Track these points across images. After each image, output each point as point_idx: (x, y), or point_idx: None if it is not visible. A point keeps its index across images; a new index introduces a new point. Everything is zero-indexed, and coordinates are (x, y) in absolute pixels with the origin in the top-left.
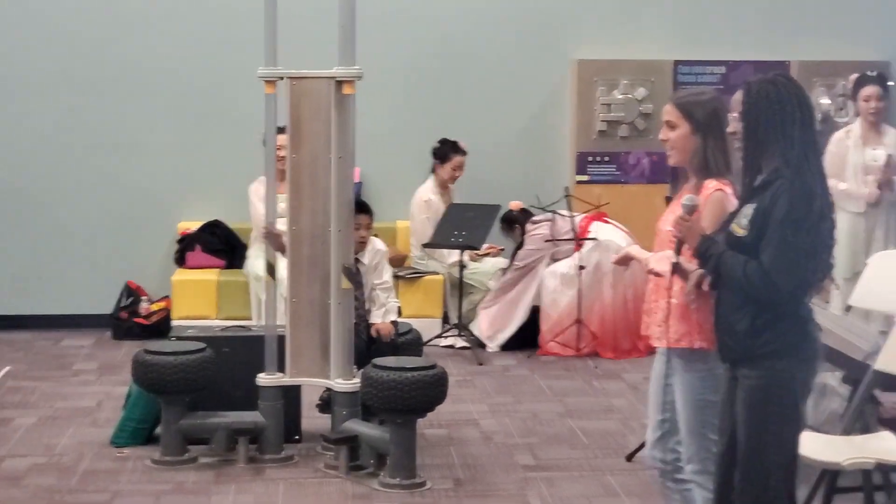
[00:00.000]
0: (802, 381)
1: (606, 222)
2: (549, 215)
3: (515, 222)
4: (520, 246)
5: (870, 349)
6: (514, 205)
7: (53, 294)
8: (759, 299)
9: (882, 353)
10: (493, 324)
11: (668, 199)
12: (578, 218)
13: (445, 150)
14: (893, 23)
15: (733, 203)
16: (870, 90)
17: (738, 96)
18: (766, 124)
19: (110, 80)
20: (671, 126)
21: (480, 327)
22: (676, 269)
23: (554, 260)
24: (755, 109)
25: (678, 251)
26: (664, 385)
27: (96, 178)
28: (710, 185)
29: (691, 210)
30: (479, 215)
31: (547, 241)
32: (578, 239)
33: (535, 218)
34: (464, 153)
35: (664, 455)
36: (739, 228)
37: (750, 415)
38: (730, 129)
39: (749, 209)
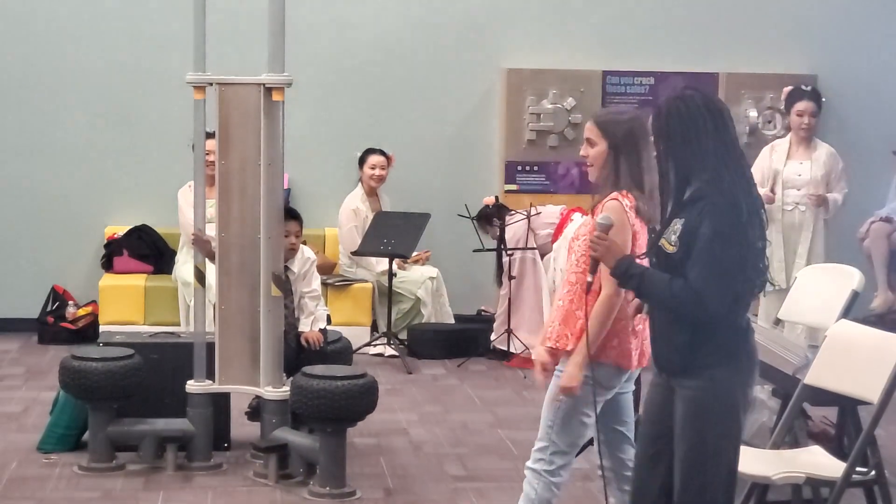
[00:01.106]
0: (742, 392)
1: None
2: (523, 211)
3: (492, 217)
4: (501, 241)
5: (799, 363)
6: (488, 200)
7: None
8: (686, 317)
9: (812, 367)
10: (531, 329)
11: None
12: (554, 210)
13: (364, 156)
14: (822, 37)
15: (631, 216)
16: (803, 105)
17: (650, 121)
18: (680, 140)
19: (39, 83)
20: (591, 143)
21: (520, 341)
22: (590, 288)
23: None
24: (667, 128)
25: (593, 270)
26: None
27: (21, 181)
28: (609, 197)
29: (606, 229)
30: (408, 223)
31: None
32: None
33: (511, 212)
34: (380, 153)
35: (608, 462)
36: (669, 245)
37: (688, 427)
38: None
39: (678, 224)
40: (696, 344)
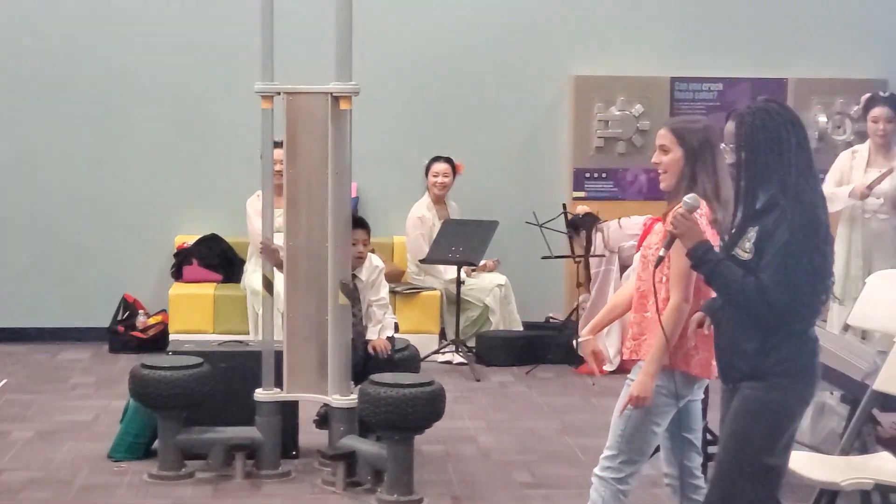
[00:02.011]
0: (798, 403)
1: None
2: (613, 222)
3: (580, 227)
4: (587, 252)
5: (868, 369)
6: (580, 209)
7: (51, 307)
8: (750, 312)
9: (881, 373)
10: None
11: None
12: (638, 221)
13: (429, 164)
14: (891, 41)
15: (703, 223)
16: (878, 111)
17: (730, 127)
18: (764, 153)
19: (109, 94)
20: (664, 150)
21: (606, 353)
22: (660, 262)
23: (623, 268)
24: (752, 139)
25: (669, 246)
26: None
27: (94, 191)
28: None
29: (692, 208)
30: (476, 231)
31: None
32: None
33: (600, 225)
34: (445, 160)
35: (674, 470)
36: (744, 252)
37: (736, 418)
38: (728, 160)
39: (752, 233)
40: (764, 353)
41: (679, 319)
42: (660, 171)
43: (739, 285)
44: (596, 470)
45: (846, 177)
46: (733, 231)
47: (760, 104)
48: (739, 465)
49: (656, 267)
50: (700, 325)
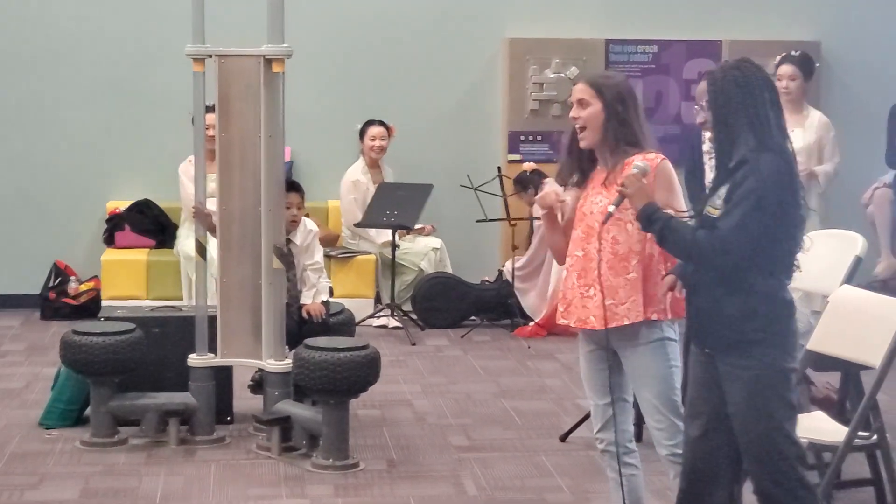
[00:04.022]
0: (791, 364)
1: None
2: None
3: (528, 183)
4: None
5: (802, 329)
6: (527, 166)
7: None
8: (705, 263)
9: (815, 333)
10: (541, 296)
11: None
12: None
13: (364, 127)
14: (825, 2)
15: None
16: (783, 69)
17: (702, 86)
18: (736, 109)
19: (38, 57)
20: (583, 104)
21: (529, 303)
22: (608, 219)
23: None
24: (724, 96)
25: (618, 204)
26: (600, 368)
27: (21, 157)
28: (648, 157)
29: (644, 172)
30: (411, 195)
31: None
32: None
33: (545, 180)
34: (380, 124)
35: (611, 437)
36: (714, 209)
37: (754, 406)
38: (699, 119)
39: (723, 190)
40: (745, 317)
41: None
42: (579, 125)
43: (691, 239)
44: (663, 452)
45: None
46: (707, 190)
47: (733, 63)
48: (773, 446)
49: (604, 224)
50: (671, 288)
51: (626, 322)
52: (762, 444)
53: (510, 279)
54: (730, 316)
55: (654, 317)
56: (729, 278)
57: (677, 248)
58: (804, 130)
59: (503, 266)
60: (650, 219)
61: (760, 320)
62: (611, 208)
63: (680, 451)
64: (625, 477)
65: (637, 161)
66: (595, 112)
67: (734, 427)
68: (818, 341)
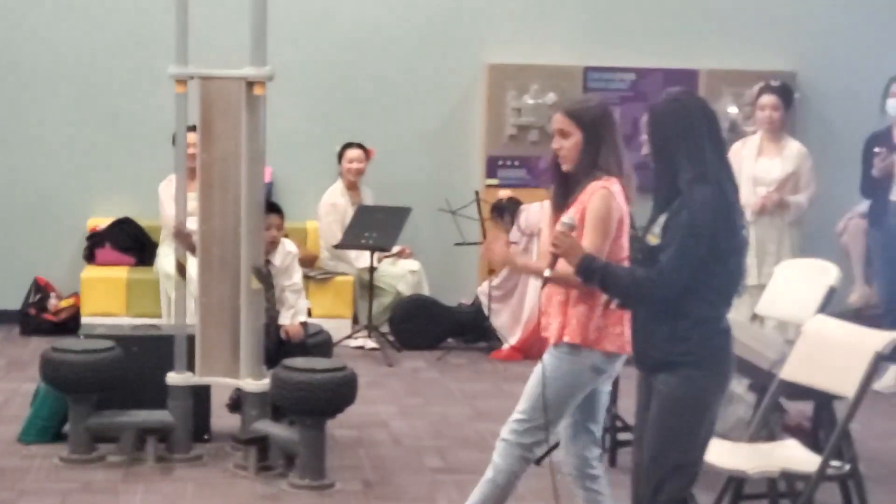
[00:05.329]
0: (714, 394)
1: None
2: (536, 204)
3: (504, 211)
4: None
5: (776, 358)
6: (503, 194)
7: None
8: (649, 300)
9: (788, 362)
10: (514, 317)
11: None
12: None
13: (342, 150)
14: (802, 33)
15: (619, 202)
16: (765, 99)
17: (645, 119)
18: (675, 141)
19: (21, 74)
20: (564, 135)
21: (501, 322)
22: (547, 282)
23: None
24: (662, 128)
25: (552, 266)
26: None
27: (5, 173)
28: (595, 185)
29: (571, 228)
30: (389, 217)
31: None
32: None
33: (522, 207)
34: (358, 146)
35: (569, 459)
36: (653, 237)
37: (658, 420)
38: (643, 150)
39: (662, 218)
40: (675, 339)
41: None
42: (561, 156)
43: (631, 281)
44: (503, 433)
45: (737, 167)
46: (649, 220)
47: (672, 95)
48: (664, 460)
49: (542, 287)
50: (607, 305)
51: (552, 340)
52: (653, 461)
53: (484, 299)
54: (661, 338)
55: (567, 339)
56: (664, 304)
57: (620, 293)
58: (782, 160)
59: (479, 286)
60: (588, 271)
61: (690, 343)
62: (546, 272)
63: (509, 440)
64: (590, 501)
65: (564, 218)
66: (576, 142)
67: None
68: (791, 370)
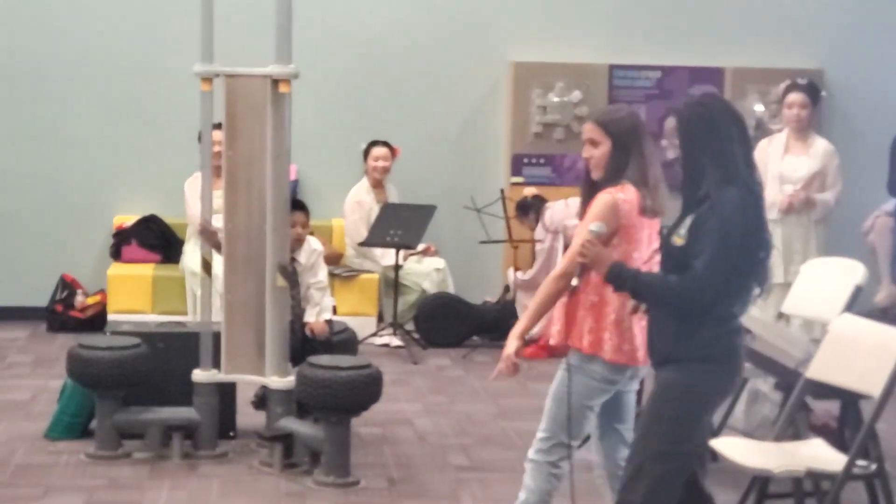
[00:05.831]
0: (716, 393)
1: None
2: (560, 201)
3: (529, 209)
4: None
5: (802, 357)
6: (528, 191)
7: None
8: (682, 307)
9: (814, 361)
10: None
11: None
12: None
13: (368, 148)
14: (828, 30)
15: (625, 209)
16: (793, 97)
17: (670, 122)
18: (703, 146)
19: (48, 73)
20: (594, 143)
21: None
22: (574, 291)
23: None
24: (688, 132)
25: (580, 275)
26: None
27: (31, 171)
28: (604, 191)
29: (599, 236)
30: (414, 215)
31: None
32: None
33: (547, 204)
34: (383, 145)
35: (603, 459)
36: (679, 238)
37: (649, 404)
38: (669, 155)
39: (688, 220)
40: (682, 335)
41: (552, 292)
42: (591, 164)
43: (664, 287)
44: (529, 453)
45: (763, 165)
46: (675, 221)
47: (696, 98)
48: (647, 444)
49: (570, 297)
50: (635, 311)
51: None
52: (638, 443)
53: (511, 284)
54: (668, 333)
55: (577, 347)
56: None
57: (653, 299)
58: (809, 158)
59: (508, 279)
60: (619, 279)
61: (700, 340)
62: (574, 281)
63: (536, 459)
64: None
65: (591, 226)
66: (605, 151)
67: None
68: (817, 369)
